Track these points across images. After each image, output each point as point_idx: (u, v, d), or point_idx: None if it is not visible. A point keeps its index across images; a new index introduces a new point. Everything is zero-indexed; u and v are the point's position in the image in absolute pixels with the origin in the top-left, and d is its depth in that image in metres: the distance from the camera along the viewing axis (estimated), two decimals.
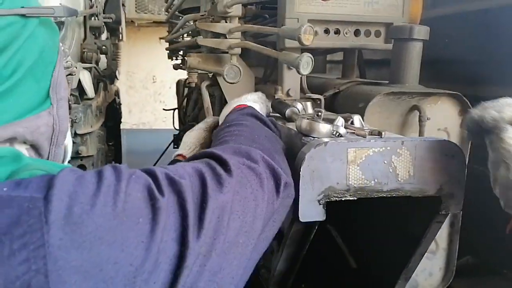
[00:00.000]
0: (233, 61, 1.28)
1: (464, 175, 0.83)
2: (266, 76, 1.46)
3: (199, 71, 1.28)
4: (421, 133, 1.13)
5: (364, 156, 0.79)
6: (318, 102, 1.26)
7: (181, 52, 2.33)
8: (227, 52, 1.31)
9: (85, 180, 0.47)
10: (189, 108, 1.96)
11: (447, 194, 0.83)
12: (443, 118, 1.18)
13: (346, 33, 1.29)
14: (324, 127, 0.83)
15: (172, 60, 2.44)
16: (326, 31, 1.28)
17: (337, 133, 0.84)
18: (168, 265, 0.48)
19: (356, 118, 0.94)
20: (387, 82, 1.26)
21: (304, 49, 1.28)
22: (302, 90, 1.33)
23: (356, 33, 1.30)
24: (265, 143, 0.78)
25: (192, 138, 1.14)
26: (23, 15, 0.52)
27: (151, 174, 0.53)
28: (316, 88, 1.36)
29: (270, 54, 1.10)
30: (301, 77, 1.32)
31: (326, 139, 0.80)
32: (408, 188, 0.81)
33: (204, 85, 1.35)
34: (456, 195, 0.83)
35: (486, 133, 0.75)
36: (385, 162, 0.80)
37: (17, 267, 0.39)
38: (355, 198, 0.80)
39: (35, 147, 0.56)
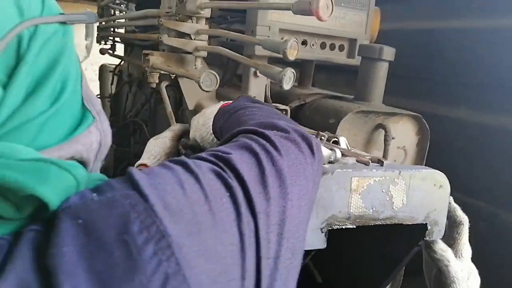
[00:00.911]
0: (197, 64, 1.21)
1: (447, 204, 0.87)
2: (226, 80, 1.40)
3: (162, 71, 1.19)
4: (385, 152, 1.17)
5: (366, 185, 0.79)
6: (284, 113, 1.24)
7: (116, 39, 2.16)
8: (190, 53, 1.24)
9: (160, 172, 0.45)
10: (128, 102, 1.83)
11: (432, 221, 0.86)
12: (402, 137, 1.23)
13: (312, 45, 1.29)
14: (325, 151, 0.81)
15: (100, 44, 2.25)
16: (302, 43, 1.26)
17: (334, 157, 0.83)
18: (253, 238, 0.47)
19: (342, 140, 0.94)
20: (352, 97, 1.29)
21: (271, 58, 1.25)
22: (265, 98, 1.30)
23: (322, 45, 1.30)
24: (280, 117, 0.76)
25: (157, 147, 1.06)
26: (63, 23, 0.45)
27: (203, 158, 0.52)
28: (277, 96, 1.34)
29: (248, 63, 1.05)
30: (265, 85, 1.29)
31: (331, 167, 0.78)
32: (401, 216, 0.83)
33: (164, 85, 1.25)
34: (440, 222, 0.87)
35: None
36: (383, 191, 0.81)
37: (150, 261, 0.37)
38: (355, 227, 0.80)
39: (83, 164, 0.50)
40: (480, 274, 0.91)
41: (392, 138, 1.17)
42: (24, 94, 0.41)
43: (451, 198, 0.88)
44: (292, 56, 0.99)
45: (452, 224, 0.89)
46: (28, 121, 0.41)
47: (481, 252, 0.94)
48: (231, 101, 1.02)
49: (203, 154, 0.53)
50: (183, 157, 0.51)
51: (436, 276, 0.89)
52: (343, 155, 0.88)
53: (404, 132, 1.23)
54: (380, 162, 0.83)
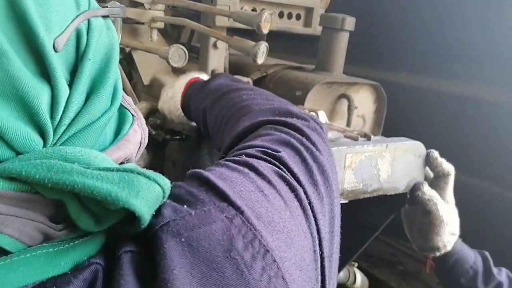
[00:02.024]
0: (153, 36, 1.13)
1: (423, 172, 0.92)
2: None
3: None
4: (349, 121, 1.19)
5: (358, 160, 0.81)
6: None
7: None
8: (142, 23, 1.15)
9: (235, 178, 0.43)
10: None
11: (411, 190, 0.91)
12: (361, 105, 1.26)
13: (271, 14, 1.25)
14: None
15: None
16: (254, 11, 1.22)
17: None
18: (317, 241, 0.46)
19: (322, 115, 0.94)
20: (312, 67, 1.29)
21: (230, 29, 1.20)
22: (224, 70, 1.26)
23: (280, 15, 1.27)
24: (280, 99, 0.74)
25: None
26: (106, 17, 0.41)
27: (255, 156, 0.49)
28: (236, 68, 1.30)
29: (218, 37, 1.00)
30: (224, 57, 1.24)
31: None
32: (386, 187, 0.87)
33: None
34: None
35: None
36: (372, 165, 0.83)
37: (261, 279, 0.36)
38: (347, 201, 0.82)
39: None
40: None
41: (356, 108, 1.19)
42: (87, 92, 0.37)
43: (437, 152, 0.92)
44: (265, 29, 0.96)
45: (440, 176, 0.93)
46: (93, 122, 0.37)
47: None
48: (198, 76, 0.97)
49: (252, 151, 0.50)
50: (243, 157, 0.47)
51: (422, 220, 0.92)
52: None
53: (363, 101, 1.26)
54: (367, 137, 0.85)
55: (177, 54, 0.96)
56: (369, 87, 1.25)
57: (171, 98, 0.97)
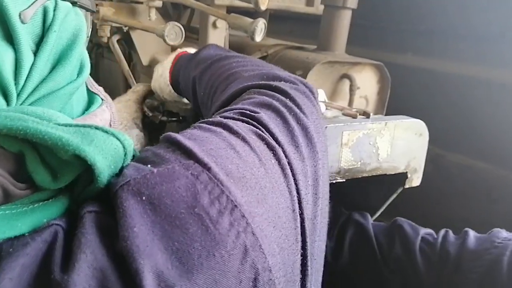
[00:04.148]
0: (152, 15, 1.12)
1: (425, 152, 0.90)
2: None
3: (113, 24, 1.07)
4: (350, 102, 1.17)
5: (355, 138, 0.79)
6: None
7: None
8: (141, 3, 1.13)
9: (206, 137, 0.42)
10: None
11: (412, 169, 0.89)
12: (364, 86, 1.23)
13: None
14: None
15: None
16: None
17: None
18: (297, 200, 0.45)
19: (321, 93, 0.92)
20: (314, 47, 1.26)
21: (230, 9, 1.18)
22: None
23: None
24: (270, 65, 0.72)
25: (123, 112, 0.98)
26: (74, 3, 0.42)
27: (232, 118, 0.48)
28: (236, 48, 1.28)
29: (216, 15, 0.98)
30: (224, 36, 1.22)
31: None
32: (385, 166, 0.84)
33: (115, 40, 1.14)
34: (418, 170, 0.90)
35: None
36: (371, 143, 0.81)
37: (228, 234, 0.35)
38: (344, 180, 0.80)
39: None
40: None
41: (358, 88, 1.16)
42: (52, 63, 0.38)
43: None
44: (263, 5, 0.93)
45: None
46: (58, 89, 0.38)
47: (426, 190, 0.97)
48: (186, 49, 0.95)
49: (230, 113, 0.49)
50: (217, 118, 0.46)
51: None
52: (326, 108, 0.86)
53: (366, 81, 1.23)
54: (366, 114, 0.83)
55: (173, 32, 0.94)
56: (372, 67, 1.22)
57: (161, 75, 0.95)
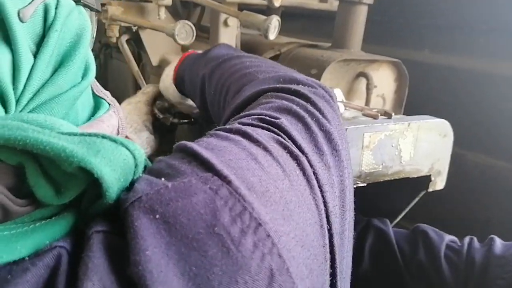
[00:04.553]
0: (161, 14, 1.08)
1: (450, 153, 0.85)
2: None
3: (122, 24, 1.04)
4: (367, 101, 1.13)
5: (377, 140, 0.74)
6: None
7: None
8: (150, 1, 1.10)
9: (224, 146, 0.38)
10: None
11: (436, 172, 0.84)
12: (381, 84, 1.19)
13: None
14: None
15: None
16: None
17: None
18: (324, 214, 0.41)
19: (338, 93, 0.88)
20: (328, 45, 1.22)
21: (242, 6, 1.14)
22: None
23: None
24: (282, 66, 0.69)
25: (133, 115, 0.94)
26: (77, 1, 0.40)
27: (251, 124, 0.44)
28: (248, 47, 1.24)
29: (228, 12, 0.94)
30: (236, 35, 1.18)
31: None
32: (408, 169, 0.80)
33: (124, 39, 1.11)
34: (443, 172, 0.85)
35: None
36: (393, 145, 0.77)
37: (252, 256, 0.31)
38: (365, 184, 0.76)
39: None
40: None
41: (375, 87, 1.12)
42: (54, 65, 0.35)
43: None
44: (277, 1, 0.90)
45: None
46: (61, 94, 0.35)
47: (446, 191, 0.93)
48: (193, 50, 0.92)
49: (248, 119, 0.45)
50: (235, 125, 0.42)
51: None
52: (345, 108, 0.82)
53: (383, 79, 1.19)
54: (387, 115, 0.79)
55: (184, 31, 0.91)
56: (389, 65, 1.18)
57: (167, 75, 0.92)
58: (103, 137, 0.31)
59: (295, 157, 0.41)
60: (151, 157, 1.01)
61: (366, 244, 0.88)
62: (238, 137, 0.40)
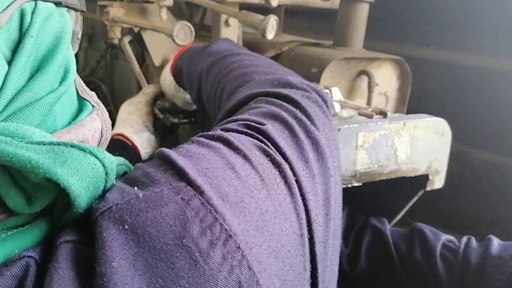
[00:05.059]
0: (162, 14, 1.09)
1: (448, 152, 0.85)
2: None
3: (124, 25, 1.05)
4: (369, 99, 1.12)
5: (372, 140, 0.74)
6: None
7: None
8: (152, 2, 1.11)
9: (202, 154, 0.38)
10: (80, 60, 1.66)
11: (434, 171, 0.84)
12: (383, 82, 1.18)
13: None
14: None
15: None
16: None
17: (333, 111, 0.78)
18: (305, 222, 0.41)
19: (336, 92, 0.88)
20: (330, 43, 1.22)
21: (243, 6, 1.15)
22: None
23: None
24: (281, 68, 0.68)
25: (133, 115, 0.96)
26: (59, 4, 0.39)
27: (236, 130, 0.44)
28: (250, 46, 1.24)
29: (226, 12, 0.95)
30: (237, 35, 1.19)
31: (336, 123, 0.72)
32: (405, 168, 0.80)
33: (126, 41, 1.12)
34: (441, 171, 0.85)
35: None
36: (388, 144, 0.77)
37: (220, 269, 0.31)
38: (360, 184, 0.76)
39: None
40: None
41: (376, 85, 1.12)
42: (30, 71, 0.35)
43: None
44: (275, 2, 0.90)
45: None
46: (36, 100, 0.34)
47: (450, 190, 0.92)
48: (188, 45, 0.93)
49: (233, 125, 0.45)
50: (218, 131, 0.43)
51: None
52: (341, 108, 0.82)
53: (385, 77, 1.18)
54: (383, 114, 0.78)
55: (183, 32, 0.91)
56: (391, 62, 1.17)
57: (166, 67, 0.93)
58: (72, 146, 0.31)
59: (277, 165, 0.40)
60: (152, 156, 1.02)
61: (363, 243, 0.88)
62: (218, 144, 0.40)
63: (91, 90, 0.45)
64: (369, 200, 0.95)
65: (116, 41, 1.08)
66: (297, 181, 0.41)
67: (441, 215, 1.27)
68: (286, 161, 0.41)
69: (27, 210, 0.30)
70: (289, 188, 0.40)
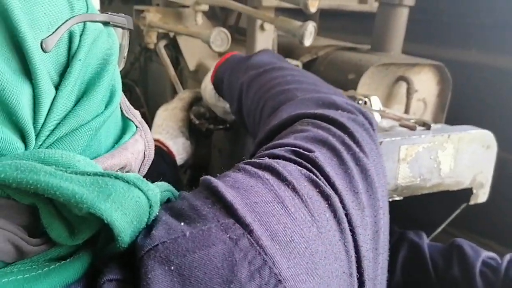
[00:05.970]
0: (198, 19, 1.09)
1: (493, 165, 0.81)
2: None
3: (160, 30, 1.06)
4: (408, 106, 1.09)
5: (414, 153, 0.72)
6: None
7: None
8: (187, 6, 1.11)
9: (250, 185, 0.37)
10: None
11: (478, 184, 0.81)
12: (422, 88, 1.15)
13: None
14: None
15: None
16: None
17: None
18: (355, 259, 0.39)
19: (376, 101, 0.86)
20: (368, 47, 1.19)
21: (279, 10, 1.13)
22: None
23: None
24: (324, 84, 0.66)
25: (169, 121, 0.95)
26: (107, 23, 0.38)
27: (284, 157, 0.42)
28: (285, 50, 1.23)
29: (262, 18, 0.93)
30: (272, 39, 1.17)
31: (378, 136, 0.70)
32: (448, 182, 0.77)
33: (162, 45, 1.12)
34: (485, 184, 0.81)
35: None
36: (431, 157, 0.74)
37: None
38: (402, 198, 0.74)
39: None
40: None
41: (416, 91, 1.09)
42: (76, 95, 0.34)
43: None
44: (313, 7, 0.88)
45: None
46: (82, 126, 0.34)
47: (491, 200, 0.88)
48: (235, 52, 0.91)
49: (280, 151, 0.43)
50: (266, 159, 0.41)
51: None
52: (381, 118, 0.80)
53: (424, 83, 1.15)
54: (426, 125, 0.76)
55: (219, 38, 0.91)
56: (431, 68, 1.13)
57: (207, 76, 0.92)
58: (116, 177, 0.30)
59: (326, 197, 0.39)
60: (187, 161, 1.02)
61: (398, 257, 0.86)
62: (267, 175, 0.39)
63: (124, 92, 0.44)
64: (408, 213, 0.92)
65: (152, 46, 1.08)
66: (346, 215, 0.39)
67: (482, 229, 1.23)
68: (335, 193, 0.40)
69: (70, 242, 0.30)
70: (339, 223, 0.38)
